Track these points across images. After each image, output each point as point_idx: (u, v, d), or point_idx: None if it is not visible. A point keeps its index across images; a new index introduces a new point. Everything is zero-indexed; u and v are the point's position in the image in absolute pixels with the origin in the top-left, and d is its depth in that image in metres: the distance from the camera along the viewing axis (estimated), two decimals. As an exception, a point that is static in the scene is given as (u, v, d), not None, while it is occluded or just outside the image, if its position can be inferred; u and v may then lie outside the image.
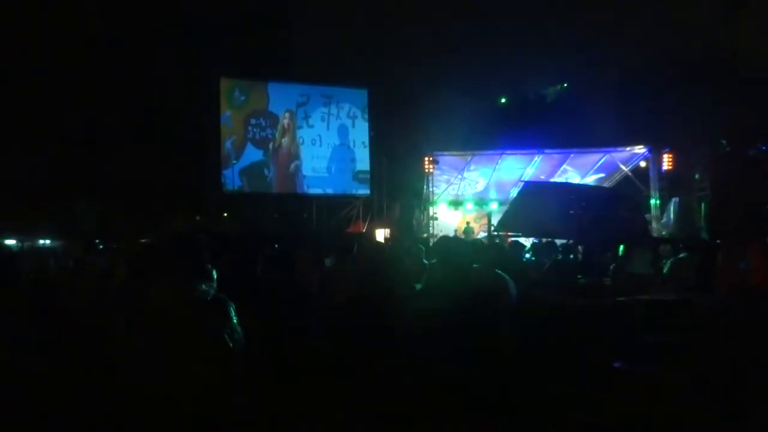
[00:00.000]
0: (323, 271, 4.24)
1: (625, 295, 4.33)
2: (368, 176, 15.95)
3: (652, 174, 14.35)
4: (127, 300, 2.47)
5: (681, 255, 5.10)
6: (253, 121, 15.01)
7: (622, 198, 6.59)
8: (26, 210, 16.77)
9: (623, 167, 15.20)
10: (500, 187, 16.23)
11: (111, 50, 18.11)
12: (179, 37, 17.82)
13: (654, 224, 13.25)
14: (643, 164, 14.89)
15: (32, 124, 17.91)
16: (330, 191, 15.76)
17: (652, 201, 14.06)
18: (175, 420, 1.98)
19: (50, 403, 2.07)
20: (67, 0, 17.39)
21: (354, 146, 15.86)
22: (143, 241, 10.88)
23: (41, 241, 14.82)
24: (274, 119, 15.18)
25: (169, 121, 17.36)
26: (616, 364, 3.54)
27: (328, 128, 15.63)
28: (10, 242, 14.73)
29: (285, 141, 15.22)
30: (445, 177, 16.02)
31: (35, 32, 17.43)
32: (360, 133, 15.90)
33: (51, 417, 2.08)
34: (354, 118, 15.83)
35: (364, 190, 15.96)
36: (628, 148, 14.74)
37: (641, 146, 14.47)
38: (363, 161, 15.90)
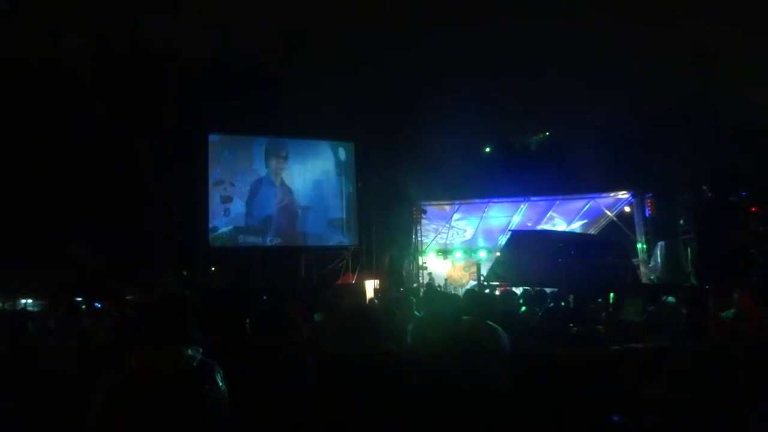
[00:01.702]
0: (313, 326, 4.17)
1: (619, 344, 4.29)
2: (343, 223, 15.90)
3: (636, 219, 14.55)
4: (108, 363, 2.39)
5: (669, 299, 5.10)
6: (239, 177, 15.07)
7: (610, 245, 6.65)
8: (7, 267, 16.41)
9: (608, 212, 15.43)
10: (488, 234, 16.34)
11: (98, 107, 18.32)
12: (165, 93, 18.13)
13: (642, 268, 13.32)
14: (627, 209, 15.13)
15: (19, 176, 17.82)
16: (319, 232, 15.62)
17: (639, 245, 14.20)
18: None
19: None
20: (52, 58, 17.68)
21: (329, 196, 15.90)
22: (129, 298, 10.68)
23: (23, 301, 14.46)
24: (260, 173, 15.27)
25: (156, 176, 17.38)
26: (614, 418, 3.47)
27: (310, 179, 15.72)
28: (-10, 302, 14.34)
29: (276, 187, 15.27)
30: (433, 226, 16.12)
31: (25, 89, 17.62)
32: (336, 184, 16.00)
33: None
34: (331, 171, 15.98)
35: (340, 238, 15.88)
36: (612, 194, 15.01)
37: (625, 192, 14.75)
38: (336, 209, 15.89)
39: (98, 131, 18.41)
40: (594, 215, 15.90)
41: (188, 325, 2.16)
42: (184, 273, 17.43)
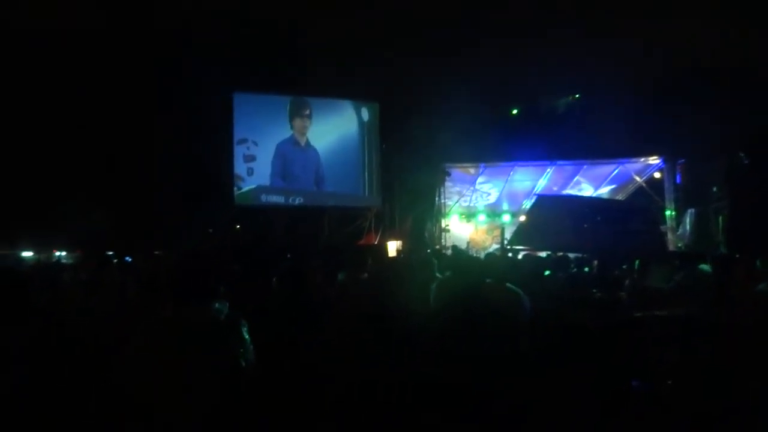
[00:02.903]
0: (336, 286, 4.23)
1: (642, 311, 4.26)
2: (366, 184, 15.89)
3: (666, 185, 14.18)
4: (139, 317, 2.47)
5: (698, 268, 5.01)
6: (263, 136, 15.08)
7: (638, 211, 6.51)
8: (42, 221, 16.98)
9: (637, 178, 15.07)
10: (512, 198, 16.17)
11: (123, 66, 18.38)
12: (191, 54, 18.05)
13: (670, 236, 13.08)
14: (657, 175, 14.73)
15: (52, 136, 18.19)
16: (343, 192, 15.67)
17: (668, 212, 13.89)
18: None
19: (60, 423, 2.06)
20: (77, 19, 17.68)
21: (353, 157, 15.85)
22: (157, 253, 10.97)
23: (57, 253, 14.98)
24: (284, 133, 15.25)
25: (183, 135, 17.53)
26: (634, 383, 3.47)
27: (334, 139, 15.66)
28: (27, 254, 14.92)
29: (300, 147, 15.27)
30: (457, 189, 16.00)
31: (55, 50, 17.74)
32: (360, 144, 15.92)
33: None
34: (354, 131, 15.88)
35: (363, 198, 15.92)
36: (642, 159, 14.62)
37: (655, 157, 14.34)
38: (359, 170, 15.88)
39: (123, 90, 18.54)
40: (622, 181, 15.55)
41: (215, 281, 2.21)
42: (210, 230, 17.78)
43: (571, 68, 17.00)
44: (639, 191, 15.16)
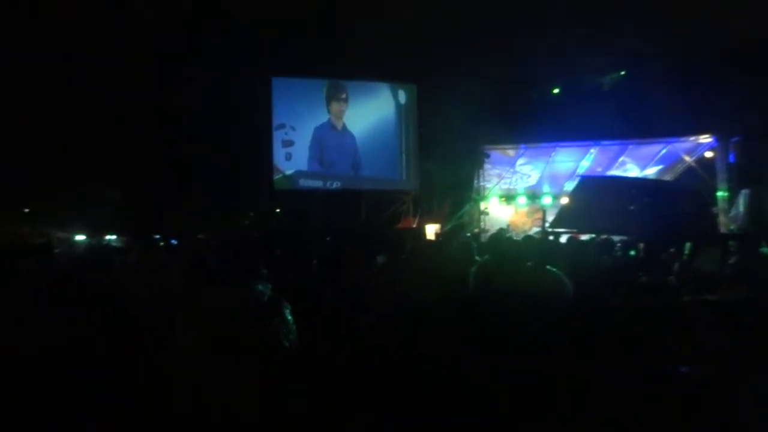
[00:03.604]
0: (375, 269, 4.24)
1: (692, 295, 4.10)
2: (403, 167, 15.82)
3: (719, 165, 13.54)
4: (185, 298, 2.54)
5: (752, 251, 4.79)
6: (300, 121, 15.16)
7: (688, 192, 6.24)
8: (94, 207, 17.74)
9: (687, 158, 14.44)
10: (554, 180, 15.79)
11: (163, 50, 18.78)
12: (230, 38, 18.27)
13: (722, 218, 12.53)
14: (709, 154, 14.07)
15: (100, 127, 18.88)
16: (380, 176, 15.68)
17: (720, 193, 13.28)
18: (230, 416, 2.02)
19: (109, 397, 2.15)
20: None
21: (390, 140, 15.77)
22: (200, 237, 11.29)
23: (107, 237, 15.62)
24: (321, 117, 15.29)
25: (223, 121, 17.87)
26: (683, 369, 3.36)
27: (371, 123, 15.60)
28: (80, 237, 15.63)
29: (337, 131, 15.31)
30: (497, 171, 15.74)
31: (87, 30, 18.24)
32: (397, 127, 15.82)
33: (110, 410, 2.17)
34: (391, 114, 15.77)
35: (401, 181, 15.87)
36: (693, 138, 13.98)
37: (707, 135, 13.69)
38: (397, 153, 15.79)
39: (166, 80, 18.99)
40: (671, 161, 14.93)
41: (258, 263, 2.26)
42: (251, 214, 18.16)
43: (616, 43, 16.34)
44: (688, 171, 14.53)
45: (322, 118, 15.29)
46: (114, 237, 15.89)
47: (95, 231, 16.69)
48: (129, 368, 2.20)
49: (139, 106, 19.15)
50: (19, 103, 17.96)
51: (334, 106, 15.35)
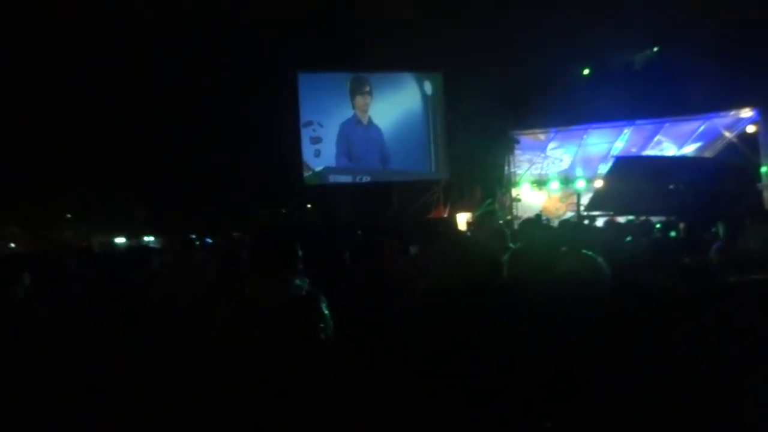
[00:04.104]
0: (408, 259, 4.23)
1: (737, 276, 3.95)
2: (432, 157, 15.70)
3: (762, 139, 12.97)
4: (222, 294, 2.58)
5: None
6: (327, 117, 15.21)
7: (730, 169, 5.98)
8: (133, 211, 18.28)
9: (727, 134, 13.89)
10: (587, 163, 15.43)
11: (191, 52, 19.10)
12: (255, 36, 18.44)
13: (766, 194, 12.02)
14: (751, 129, 13.49)
15: (131, 129, 19.39)
16: (409, 168, 15.62)
17: (763, 169, 12.73)
18: (267, 409, 2.05)
19: (153, 393, 2.21)
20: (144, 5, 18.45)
21: (417, 131, 15.66)
22: (235, 235, 11.51)
23: (145, 239, 16.08)
24: (346, 113, 15.30)
25: (252, 118, 18.09)
26: (730, 353, 3.24)
27: (397, 116, 15.53)
28: (120, 240, 16.15)
29: (363, 126, 15.31)
30: (527, 156, 15.49)
31: (122, 37, 18.70)
32: (424, 118, 15.68)
33: (154, 405, 2.23)
34: (417, 105, 15.65)
35: (430, 172, 15.76)
36: (732, 112, 13.43)
37: (748, 109, 13.12)
38: (425, 143, 15.67)
39: (199, 83, 19.33)
40: (710, 137, 14.38)
41: (295, 258, 2.27)
42: (283, 210, 18.39)
43: (646, 19, 15.80)
44: (729, 148, 13.98)
45: (348, 113, 15.31)
46: (152, 238, 16.34)
47: (134, 233, 17.21)
48: (166, 362, 2.25)
49: (173, 112, 19.59)
50: (57, 118, 18.60)
51: (359, 100, 15.35)
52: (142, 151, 19.54)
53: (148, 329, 2.43)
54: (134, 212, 18.71)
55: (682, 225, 5.19)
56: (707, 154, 14.60)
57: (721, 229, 4.75)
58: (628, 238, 4.91)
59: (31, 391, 2.08)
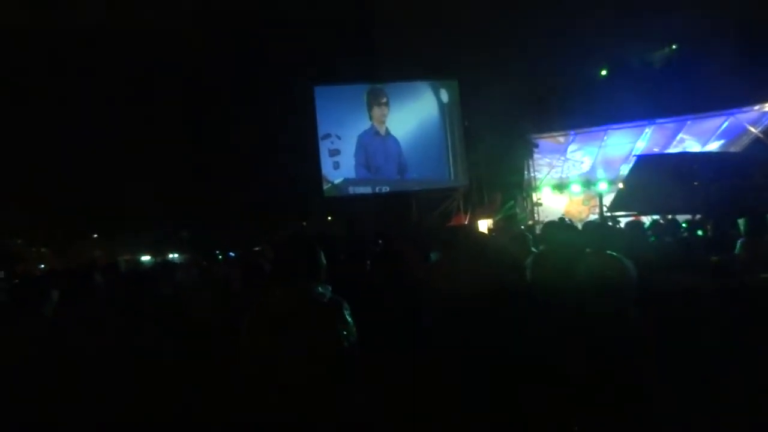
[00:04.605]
0: (429, 267, 4.20)
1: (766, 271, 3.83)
2: (451, 165, 15.66)
3: (790, 133, 12.66)
4: (247, 303, 2.61)
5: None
6: (345, 129, 15.31)
7: (756, 163, 5.81)
8: (155, 228, 18.59)
9: (752, 129, 13.56)
10: (608, 164, 15.22)
11: (212, 73, 19.47)
12: (273, 51, 18.71)
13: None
14: (776, 123, 13.19)
15: (155, 149, 19.79)
16: (427, 176, 15.60)
17: (792, 163, 12.40)
18: (294, 417, 2.05)
19: (181, 404, 2.24)
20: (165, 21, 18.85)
21: (435, 139, 15.66)
22: (256, 249, 11.61)
23: (170, 255, 16.33)
24: (364, 124, 15.38)
25: (272, 133, 18.32)
26: (761, 351, 3.14)
27: (414, 125, 15.56)
28: (146, 258, 16.43)
29: (381, 137, 15.37)
30: (547, 160, 15.35)
31: (140, 54, 19.14)
32: (441, 126, 15.69)
33: (181, 415, 2.26)
34: (434, 113, 15.65)
35: (449, 179, 15.72)
36: (757, 107, 13.11)
37: (773, 103, 12.83)
38: (443, 151, 15.65)
39: (215, 99, 19.68)
40: (734, 134, 14.07)
41: (317, 266, 2.29)
42: (304, 223, 18.52)
43: (664, 16, 15.61)
44: (755, 143, 13.64)
45: (365, 124, 15.39)
46: (177, 255, 16.60)
47: (159, 251, 17.50)
48: (194, 371, 2.28)
49: (194, 131, 19.96)
50: (83, 141, 19.09)
51: (376, 111, 15.42)
52: (166, 169, 19.92)
53: (174, 340, 2.46)
54: (159, 230, 19.04)
55: (709, 224, 5.07)
56: (733, 149, 14.29)
57: (742, 224, 4.62)
58: (652, 238, 4.81)
59: (60, 406, 2.12)
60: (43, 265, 16.73)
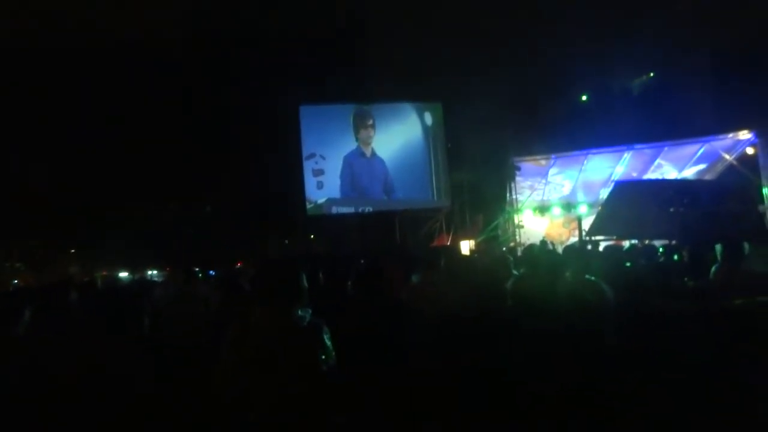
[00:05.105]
0: (410, 288, 4.21)
1: (743, 297, 3.91)
2: (434, 186, 15.78)
3: (761, 161, 13.00)
4: (225, 324, 2.58)
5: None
6: (329, 149, 15.33)
7: (730, 191, 5.97)
8: (134, 245, 18.30)
9: (727, 156, 13.94)
10: (588, 188, 15.47)
11: (194, 85, 19.44)
12: (258, 70, 18.78)
13: (769, 216, 12.00)
14: (750, 151, 13.56)
15: (136, 163, 19.59)
16: (412, 197, 15.66)
17: (765, 190, 12.75)
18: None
19: (158, 423, 2.19)
20: (151, 40, 18.83)
21: (419, 161, 15.78)
22: (238, 266, 11.49)
23: (148, 272, 16.08)
24: (349, 145, 15.45)
25: (254, 151, 18.28)
26: (742, 378, 3.18)
27: (399, 147, 15.68)
28: (123, 274, 16.14)
29: (366, 158, 15.43)
30: (528, 182, 15.54)
31: (127, 72, 19.05)
32: (425, 148, 15.83)
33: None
34: (418, 135, 15.81)
35: (432, 200, 15.82)
36: (731, 135, 13.49)
37: (746, 131, 13.20)
38: (427, 173, 15.78)
39: (198, 114, 19.62)
40: (710, 160, 14.44)
41: (298, 289, 2.27)
42: (286, 241, 18.40)
43: (642, 45, 16.09)
44: (730, 170, 14.01)
45: (351, 145, 15.44)
46: (155, 272, 16.33)
47: (137, 267, 17.21)
48: (170, 391, 2.24)
49: (176, 145, 19.83)
50: (61, 152, 18.83)
51: (362, 132, 15.50)
52: (145, 184, 19.70)
53: (151, 361, 2.41)
54: (137, 246, 18.73)
55: (685, 250, 5.17)
56: (708, 176, 14.64)
57: (719, 250, 4.72)
58: (628, 264, 4.90)
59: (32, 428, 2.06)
60: (16, 281, 16.33)
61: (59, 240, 20.89)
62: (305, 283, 2.36)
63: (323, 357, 2.16)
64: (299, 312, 2.22)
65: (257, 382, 2.07)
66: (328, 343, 2.22)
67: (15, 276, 17.90)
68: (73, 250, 22.34)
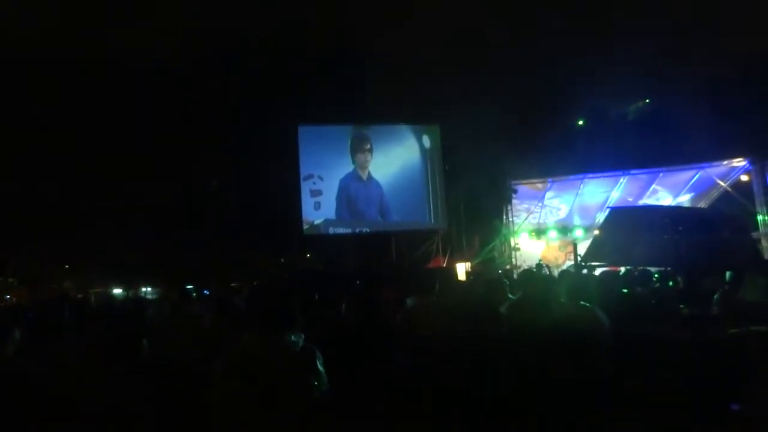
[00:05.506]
0: (405, 311, 4.20)
1: (737, 327, 3.92)
2: (431, 208, 15.79)
3: (756, 188, 13.12)
4: (218, 346, 2.56)
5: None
6: (327, 170, 15.38)
7: (725, 218, 6.00)
8: (129, 262, 18.19)
9: (721, 183, 14.07)
10: (584, 212, 15.56)
11: (191, 103, 19.53)
12: (256, 89, 18.93)
13: (764, 243, 12.05)
14: (744, 178, 13.69)
15: (131, 180, 19.58)
16: (408, 219, 15.65)
17: (759, 217, 12.83)
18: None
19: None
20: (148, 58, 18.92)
21: (416, 184, 15.83)
22: (233, 285, 11.44)
23: (143, 289, 15.97)
24: (346, 167, 15.50)
25: (251, 169, 18.33)
26: (734, 407, 3.18)
27: (396, 170, 15.73)
28: (117, 291, 16.02)
29: (362, 182, 15.47)
30: (525, 205, 15.62)
31: (124, 89, 19.14)
32: (423, 170, 15.90)
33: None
34: (416, 158, 15.89)
35: (429, 222, 15.83)
36: (726, 162, 13.64)
37: (741, 158, 13.35)
38: (424, 195, 15.82)
39: (194, 132, 19.69)
40: (704, 187, 14.56)
41: (291, 313, 2.26)
42: (281, 260, 18.33)
43: (639, 72, 16.33)
44: (724, 197, 14.13)
45: (348, 168, 15.45)
46: (149, 289, 16.23)
47: (131, 284, 17.09)
48: (163, 413, 2.21)
49: (172, 163, 19.85)
50: (56, 168, 18.84)
51: (359, 156, 15.54)
52: (141, 201, 19.67)
53: (145, 381, 2.40)
54: (132, 263, 18.64)
55: (679, 276, 5.19)
56: (703, 202, 14.75)
57: (728, 277, 4.73)
58: (625, 290, 4.90)
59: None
60: (9, 296, 16.19)
61: (53, 255, 20.77)
62: (298, 307, 2.35)
63: (316, 383, 2.14)
64: (292, 337, 2.20)
65: (248, 409, 2.05)
66: (321, 369, 2.21)
67: (8, 291, 17.75)
68: (66, 266, 22.21)
